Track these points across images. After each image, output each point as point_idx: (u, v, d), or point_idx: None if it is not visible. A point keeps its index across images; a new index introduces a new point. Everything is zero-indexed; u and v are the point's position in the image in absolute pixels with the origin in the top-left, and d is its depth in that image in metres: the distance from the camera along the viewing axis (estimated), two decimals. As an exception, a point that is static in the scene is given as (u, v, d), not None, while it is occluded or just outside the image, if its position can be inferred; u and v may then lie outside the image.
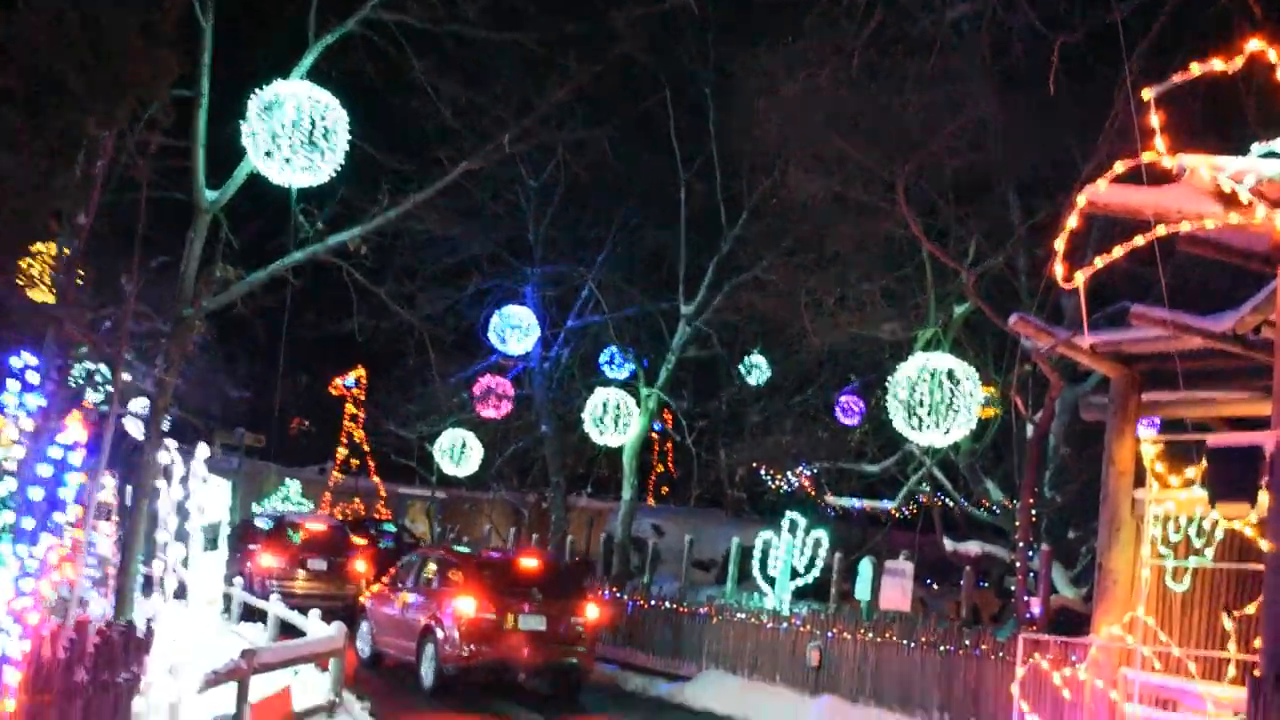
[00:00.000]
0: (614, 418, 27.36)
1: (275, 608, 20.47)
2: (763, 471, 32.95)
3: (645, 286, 32.37)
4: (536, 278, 32.74)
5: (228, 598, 24.59)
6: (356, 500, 48.56)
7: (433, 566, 20.71)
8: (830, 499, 29.42)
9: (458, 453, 33.45)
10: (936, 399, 17.05)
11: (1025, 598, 17.34)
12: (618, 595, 24.86)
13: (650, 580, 25.17)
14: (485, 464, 34.14)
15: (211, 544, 15.83)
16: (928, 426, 17.18)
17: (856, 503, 28.83)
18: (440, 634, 18.78)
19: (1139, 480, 14.12)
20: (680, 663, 22.73)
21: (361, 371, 47.53)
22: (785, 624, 20.44)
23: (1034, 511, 19.24)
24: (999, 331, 21.51)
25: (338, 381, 48.40)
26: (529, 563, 20.51)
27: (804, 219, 22.87)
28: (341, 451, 48.90)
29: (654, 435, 47.42)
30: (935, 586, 31.66)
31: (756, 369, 30.93)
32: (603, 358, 32.81)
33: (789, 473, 30.65)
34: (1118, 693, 13.70)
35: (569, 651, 19.27)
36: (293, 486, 47.46)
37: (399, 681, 19.84)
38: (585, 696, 20.70)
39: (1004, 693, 15.55)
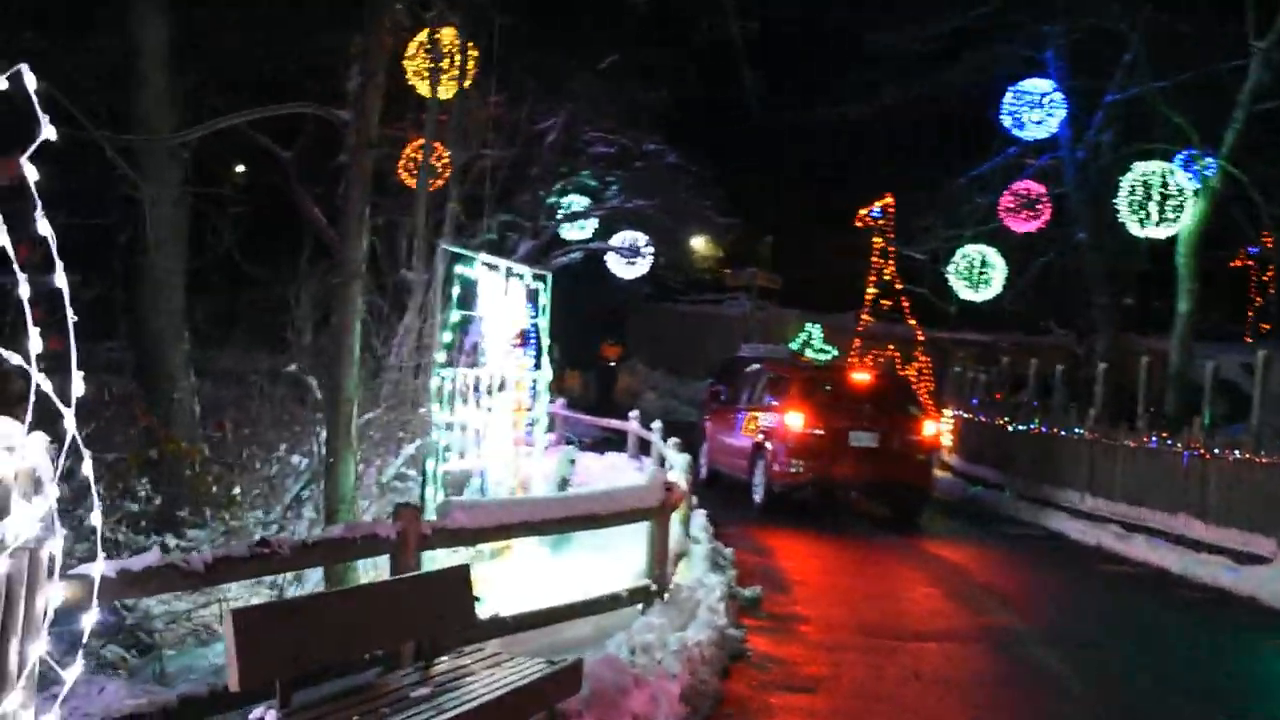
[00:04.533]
0: (1159, 201, 19.75)
1: (669, 451, 15.66)
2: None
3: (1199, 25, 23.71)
4: (1059, 38, 25.14)
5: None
6: (890, 346, 43.13)
7: (764, 384, 19.78)
8: None
9: (975, 273, 27.09)
10: None
11: None
12: (1167, 442, 17.83)
13: (1212, 424, 17.83)
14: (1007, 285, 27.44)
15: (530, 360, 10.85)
16: None
17: None
18: (769, 451, 18.23)
19: None
20: (1252, 538, 15.58)
21: (889, 200, 41.28)
22: None
23: None
24: None
25: (863, 213, 42.56)
26: (861, 377, 19.64)
27: None
28: (870, 292, 43.15)
29: (1249, 263, 38.62)
30: None
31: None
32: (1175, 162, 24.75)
33: None
34: None
35: (904, 470, 18.11)
36: (814, 331, 42.90)
37: (734, 500, 18.88)
38: (1098, 583, 14.68)
39: None
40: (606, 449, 22.86)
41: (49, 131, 3.65)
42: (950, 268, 27.86)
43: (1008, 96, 24.53)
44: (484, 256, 10.60)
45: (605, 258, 33.05)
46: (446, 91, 19.87)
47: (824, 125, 29.24)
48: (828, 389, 18.68)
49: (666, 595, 10.15)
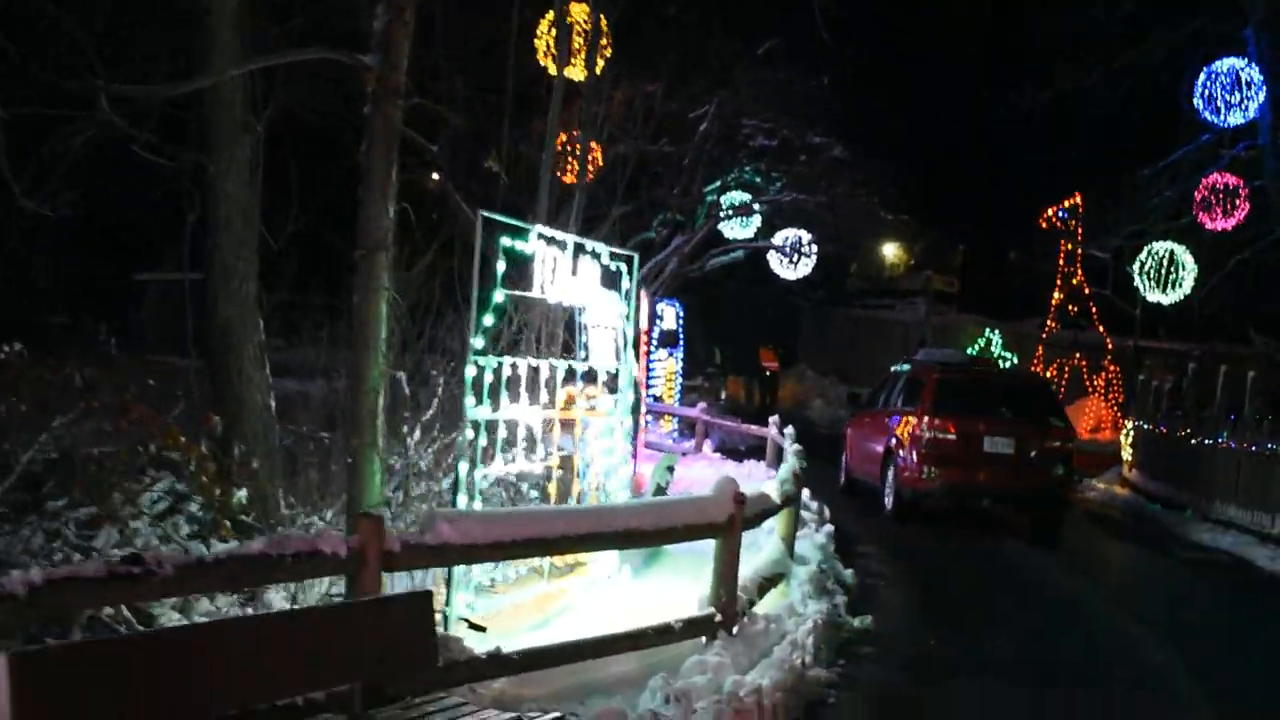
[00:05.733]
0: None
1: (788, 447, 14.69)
2: None
3: None
4: (1259, 11, 22.73)
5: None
6: (1076, 355, 40.46)
7: (900, 387, 18.58)
8: None
9: (1163, 273, 24.86)
10: None
11: None
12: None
13: None
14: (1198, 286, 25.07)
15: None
16: None
17: None
18: (899, 457, 17.14)
19: None
20: None
21: (1078, 199, 38.64)
22: None
23: None
24: None
25: (1049, 213, 40.02)
26: (999, 381, 18.81)
27: None
28: (1056, 297, 40.57)
29: None
30: None
31: None
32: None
33: None
34: None
35: (1041, 480, 16.68)
36: (994, 338, 40.55)
37: (871, 509, 17.80)
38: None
39: None
40: (753, 457, 21.46)
41: None
42: (1135, 267, 25.58)
43: (1200, 78, 22.24)
44: (540, 228, 9.18)
45: (767, 257, 31.31)
46: (577, 73, 18.66)
47: (1001, 118, 27.12)
48: (964, 392, 17.35)
49: (737, 628, 8.62)
